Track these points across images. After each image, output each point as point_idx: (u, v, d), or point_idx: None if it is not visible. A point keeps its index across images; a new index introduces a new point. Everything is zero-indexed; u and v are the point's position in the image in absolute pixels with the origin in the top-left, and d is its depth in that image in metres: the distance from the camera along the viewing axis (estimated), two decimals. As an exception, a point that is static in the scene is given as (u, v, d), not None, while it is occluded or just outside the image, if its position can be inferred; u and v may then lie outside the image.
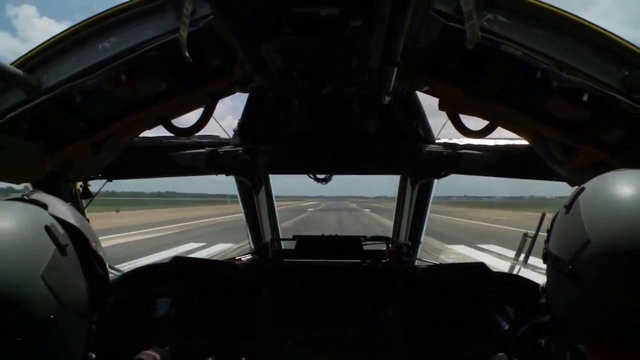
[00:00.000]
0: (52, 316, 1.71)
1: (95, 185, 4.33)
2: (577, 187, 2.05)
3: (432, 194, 5.45)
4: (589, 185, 1.98)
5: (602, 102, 2.69)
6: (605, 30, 2.73)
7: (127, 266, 4.87)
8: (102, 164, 3.66)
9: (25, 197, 1.93)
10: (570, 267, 1.83)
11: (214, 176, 4.76)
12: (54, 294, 1.72)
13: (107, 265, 2.11)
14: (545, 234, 2.20)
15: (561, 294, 1.95)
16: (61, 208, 1.95)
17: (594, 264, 1.77)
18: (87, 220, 2.27)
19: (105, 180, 4.36)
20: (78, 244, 1.91)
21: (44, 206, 1.89)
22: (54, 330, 1.73)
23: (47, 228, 1.79)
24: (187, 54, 2.27)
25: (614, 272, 1.74)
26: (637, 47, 2.70)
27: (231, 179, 5.41)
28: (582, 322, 1.89)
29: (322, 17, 1.97)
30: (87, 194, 4.17)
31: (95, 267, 1.99)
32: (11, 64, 2.80)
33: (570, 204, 1.96)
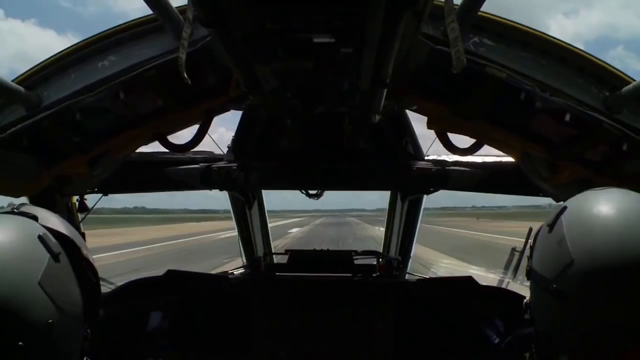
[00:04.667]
0: (50, 320, 1.78)
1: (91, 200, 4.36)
2: (559, 205, 2.10)
3: (422, 209, 5.52)
4: (571, 203, 2.02)
5: (585, 122, 2.80)
6: (587, 53, 2.85)
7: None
8: (98, 179, 3.71)
9: (14, 210, 1.98)
10: (554, 285, 1.88)
11: (194, 192, 4.78)
12: (51, 300, 1.79)
13: (98, 273, 2.17)
14: None
15: (545, 309, 2.01)
16: (51, 219, 2.01)
17: (577, 282, 1.82)
18: (83, 234, 2.32)
19: (101, 195, 4.41)
20: (70, 251, 1.98)
21: (34, 218, 1.95)
22: (52, 334, 1.80)
23: (40, 238, 1.85)
24: (185, 76, 2.34)
25: (597, 290, 1.79)
26: (617, 69, 2.82)
27: (214, 195, 5.42)
28: (564, 336, 1.94)
29: (315, 43, 2.06)
30: (83, 207, 4.22)
31: (87, 273, 2.06)
32: (12, 81, 2.88)
33: (553, 223, 2.00)
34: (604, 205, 1.90)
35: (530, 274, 2.11)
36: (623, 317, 1.78)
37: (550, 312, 1.96)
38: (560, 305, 1.88)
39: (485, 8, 2.57)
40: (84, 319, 2.01)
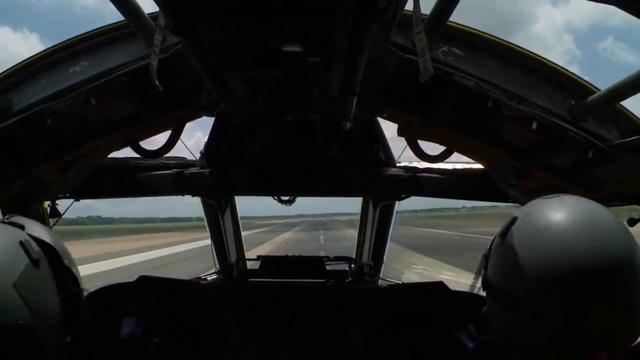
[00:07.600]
0: (21, 322, 1.81)
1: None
2: (511, 216, 2.07)
3: (394, 215, 5.57)
4: (521, 213, 2.01)
5: (551, 130, 2.86)
6: (554, 63, 2.93)
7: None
8: (70, 184, 3.69)
9: (5, 220, 2.05)
10: (506, 295, 1.89)
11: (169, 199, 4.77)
12: (25, 303, 1.82)
13: (79, 282, 2.19)
14: None
15: (499, 318, 2.01)
16: (36, 228, 2.07)
17: (528, 292, 1.82)
18: None
19: (73, 200, 4.39)
20: (51, 259, 2.02)
21: (21, 226, 2.01)
22: (24, 336, 1.83)
23: (21, 243, 1.90)
24: (157, 82, 2.35)
25: (547, 299, 1.78)
26: (582, 79, 2.91)
27: (188, 202, 5.39)
28: (519, 344, 1.96)
29: (284, 52, 2.08)
30: (55, 213, 4.19)
31: (67, 282, 2.08)
32: None
33: (505, 232, 1.99)
34: (554, 213, 1.88)
35: (484, 284, 2.10)
36: (574, 326, 1.77)
37: (503, 321, 1.97)
38: (511, 314, 1.89)
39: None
40: (62, 327, 2.04)
